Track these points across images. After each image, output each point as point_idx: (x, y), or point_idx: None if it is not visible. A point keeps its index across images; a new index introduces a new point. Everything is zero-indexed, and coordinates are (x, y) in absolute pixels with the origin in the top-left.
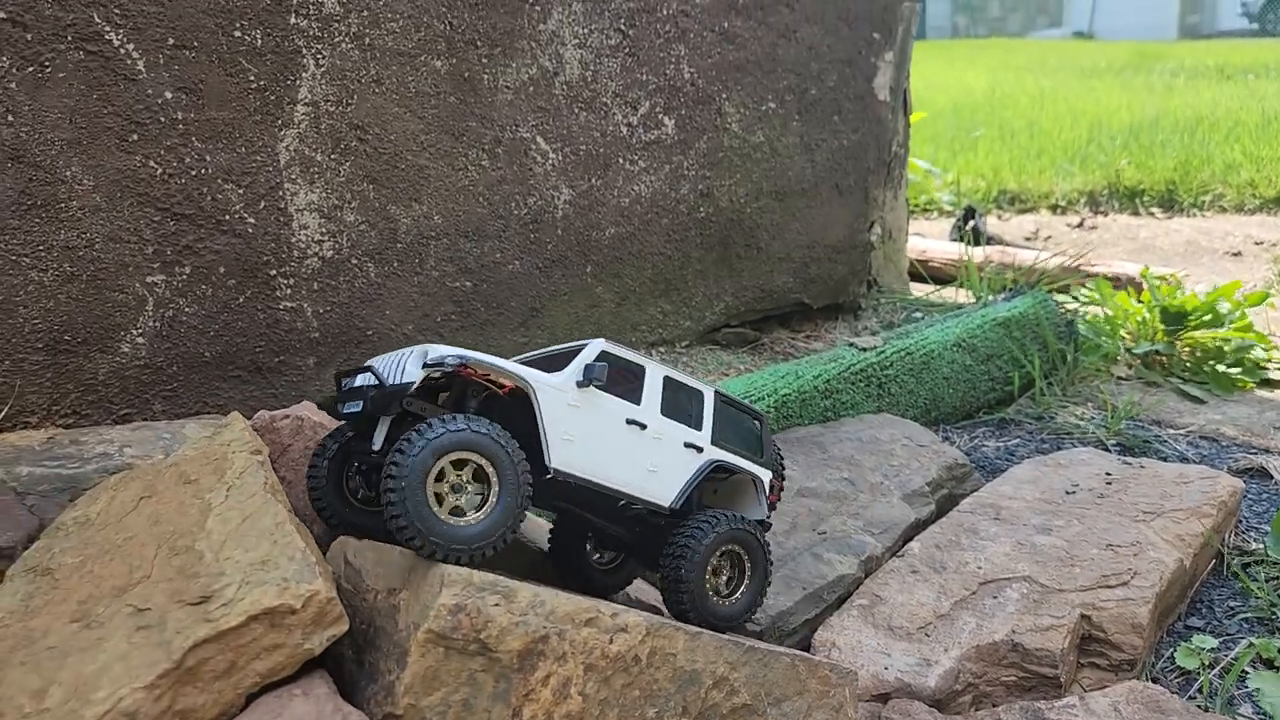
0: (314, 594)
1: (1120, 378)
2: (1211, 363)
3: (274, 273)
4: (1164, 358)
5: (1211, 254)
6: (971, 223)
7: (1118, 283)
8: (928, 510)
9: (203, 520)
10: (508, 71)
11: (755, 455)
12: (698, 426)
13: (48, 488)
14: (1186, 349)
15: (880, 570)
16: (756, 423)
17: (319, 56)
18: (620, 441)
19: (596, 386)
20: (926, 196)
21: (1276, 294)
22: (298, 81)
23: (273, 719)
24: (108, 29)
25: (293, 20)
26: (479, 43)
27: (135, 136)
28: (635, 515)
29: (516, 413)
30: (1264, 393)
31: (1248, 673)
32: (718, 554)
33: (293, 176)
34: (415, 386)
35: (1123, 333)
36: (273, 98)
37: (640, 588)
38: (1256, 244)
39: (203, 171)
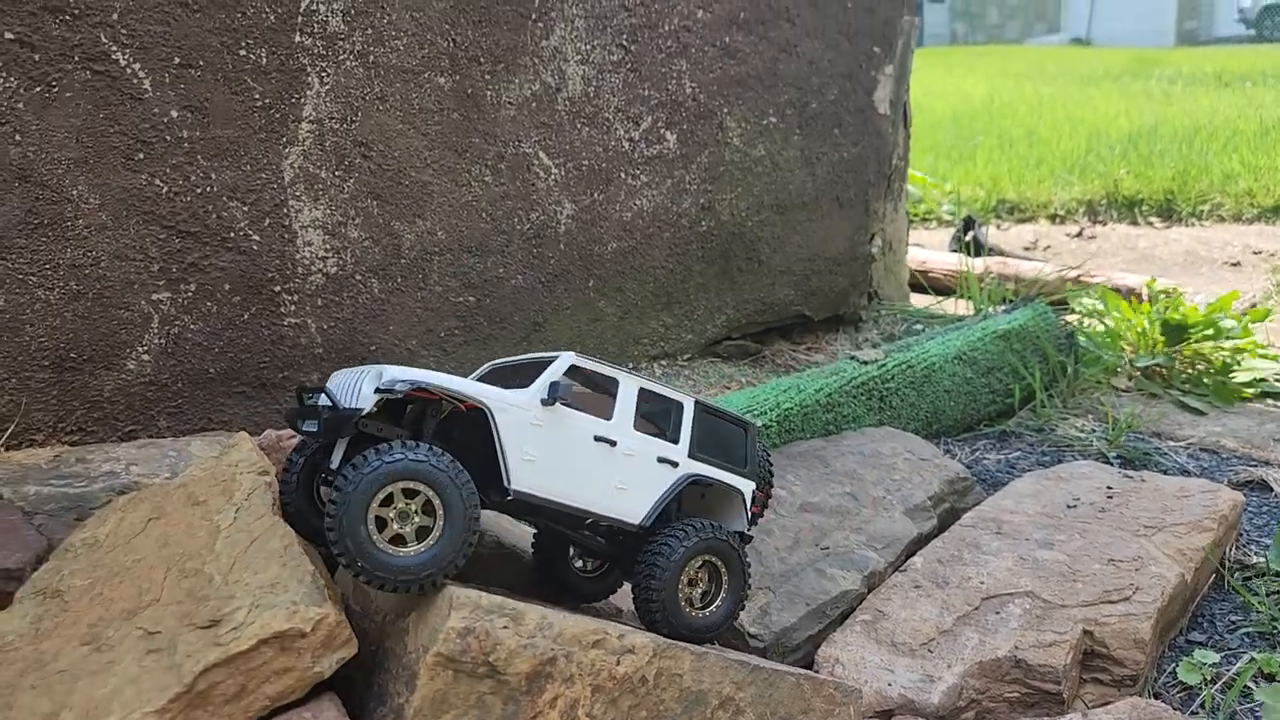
0: (323, 617)
1: (1120, 390)
2: (1213, 375)
3: (278, 289)
4: (1164, 370)
5: (1210, 264)
6: (971, 233)
7: (1118, 294)
8: (930, 525)
9: (211, 542)
10: (511, 88)
11: (738, 466)
12: (674, 439)
13: (54, 506)
14: (1187, 361)
15: (883, 585)
16: (742, 432)
17: (324, 74)
18: (587, 460)
19: (562, 404)
20: (925, 206)
21: (1276, 304)
22: (302, 99)
23: None
24: (114, 49)
25: (298, 39)
26: (482, 59)
27: (141, 155)
28: (608, 529)
29: (479, 428)
30: (1263, 405)
31: (1250, 688)
32: (694, 565)
33: (297, 193)
34: (367, 411)
35: (1123, 344)
36: (278, 115)
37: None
38: (1255, 254)
39: (208, 189)
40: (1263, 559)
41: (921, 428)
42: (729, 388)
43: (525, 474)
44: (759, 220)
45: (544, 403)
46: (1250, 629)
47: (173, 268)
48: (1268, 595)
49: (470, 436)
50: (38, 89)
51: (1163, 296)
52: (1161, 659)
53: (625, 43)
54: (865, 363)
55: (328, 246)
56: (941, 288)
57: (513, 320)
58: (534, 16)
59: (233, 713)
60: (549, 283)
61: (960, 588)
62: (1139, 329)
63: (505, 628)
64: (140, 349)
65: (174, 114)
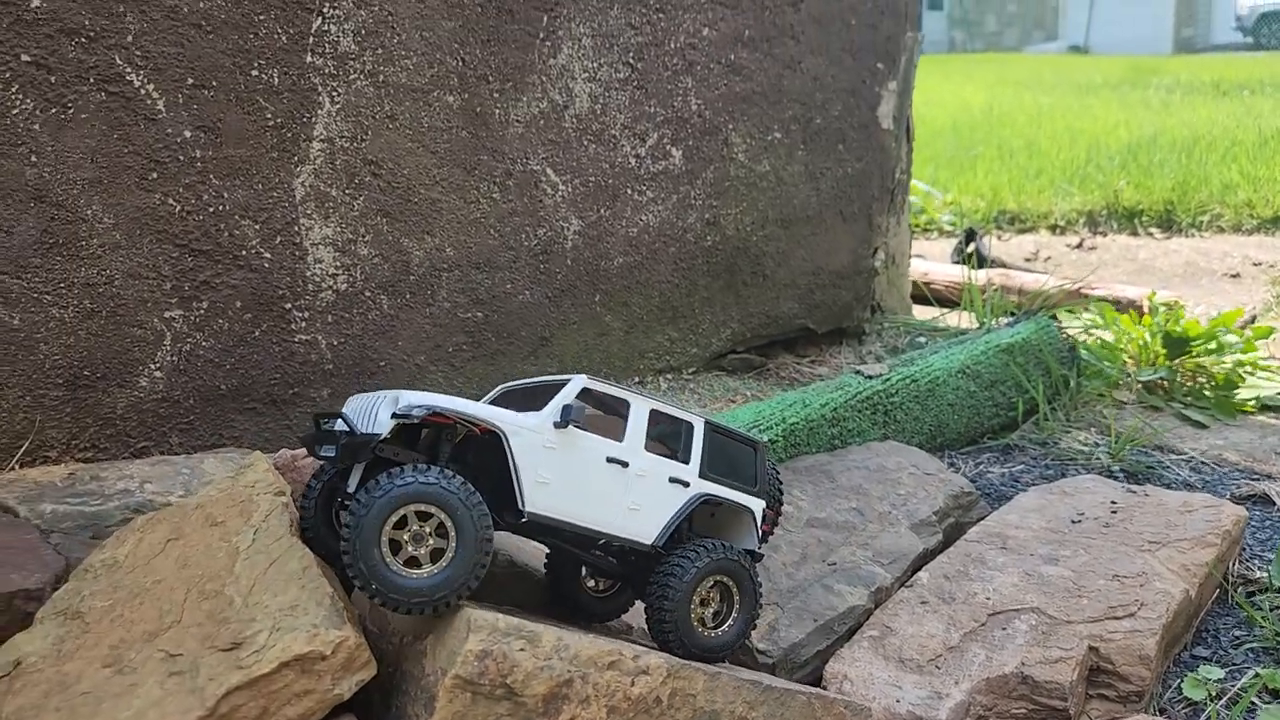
0: (343, 640)
1: (1123, 403)
2: (1215, 388)
3: (289, 306)
4: (1166, 383)
5: (1210, 275)
6: (973, 245)
7: (1119, 306)
8: (935, 540)
9: (231, 564)
10: (519, 105)
11: (748, 485)
12: (686, 459)
13: (71, 525)
14: (1188, 374)
15: (890, 601)
16: (752, 450)
17: (334, 94)
18: (600, 481)
19: (575, 427)
20: (927, 216)
21: (1276, 316)
22: (313, 119)
23: None
24: (129, 70)
25: (309, 59)
26: (491, 78)
27: (155, 175)
28: (620, 549)
29: (494, 451)
30: (1265, 418)
31: (1255, 704)
32: (706, 585)
33: (308, 211)
34: (383, 437)
35: (1124, 357)
36: (289, 135)
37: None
38: (1255, 265)
39: (220, 208)
40: (1266, 574)
41: (926, 441)
42: (734, 401)
43: (539, 496)
44: (764, 235)
45: (557, 426)
46: (1254, 644)
47: (185, 286)
48: (1271, 610)
49: (485, 459)
50: (54, 110)
51: (1164, 309)
52: (1167, 674)
53: (632, 60)
54: (870, 377)
55: (338, 264)
56: (944, 299)
57: (520, 335)
58: (542, 35)
59: None
60: (556, 298)
61: (966, 604)
62: (1140, 342)
63: (522, 650)
64: (153, 366)
65: (187, 134)
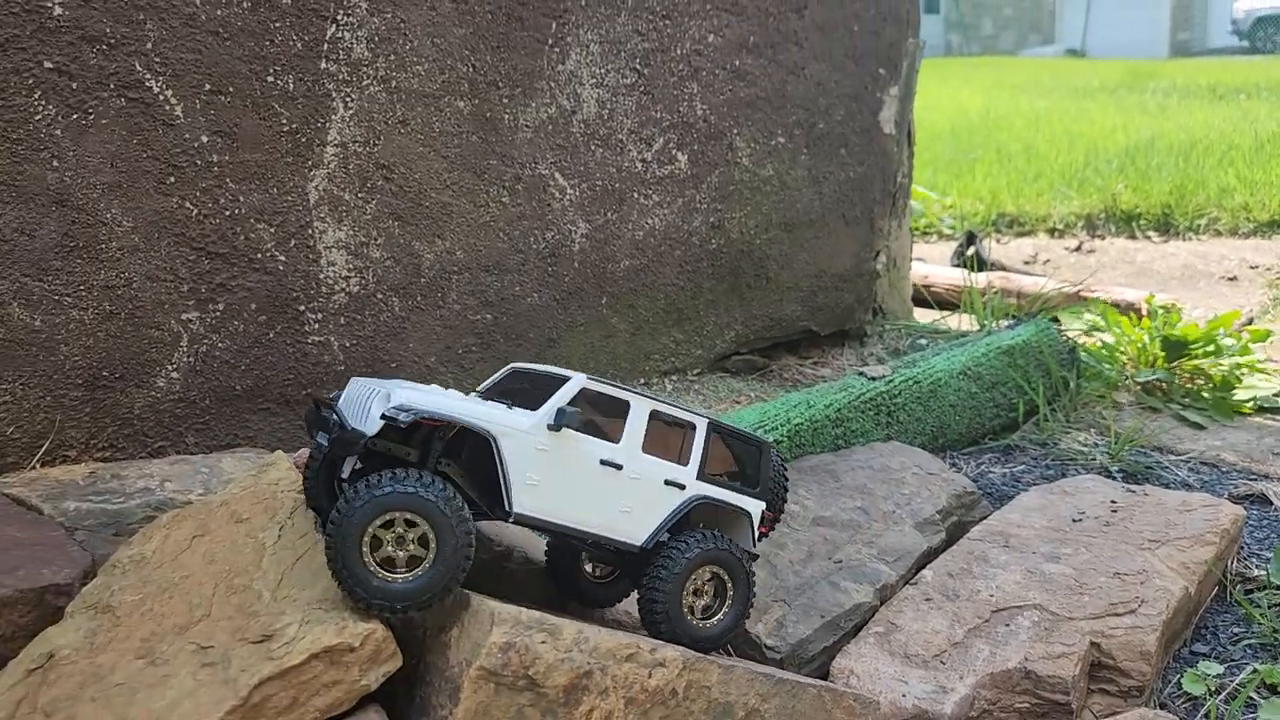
0: (371, 633)
1: (1122, 404)
2: (1213, 390)
3: (303, 308)
4: (1164, 385)
5: (1208, 278)
6: (972, 248)
7: (1118, 308)
8: (939, 538)
9: (258, 559)
10: (528, 111)
11: (749, 487)
12: (684, 461)
13: (94, 523)
14: (1187, 376)
15: (895, 598)
16: (756, 451)
17: (348, 100)
18: (591, 483)
19: (570, 429)
20: (927, 220)
21: (1273, 319)
22: (327, 124)
23: None
24: (148, 76)
25: (323, 65)
26: (500, 84)
27: (173, 179)
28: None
29: (488, 447)
30: (1262, 419)
31: (1254, 699)
32: (701, 576)
33: (322, 215)
34: (371, 435)
35: (1123, 360)
36: (304, 140)
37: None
38: (1251, 268)
39: (236, 212)
40: (1264, 571)
41: (928, 442)
42: (739, 402)
43: (527, 497)
44: (767, 238)
45: (550, 428)
46: (1253, 641)
47: (202, 288)
48: (1269, 607)
49: (479, 454)
50: (75, 116)
51: (1162, 312)
52: (1167, 670)
53: (638, 66)
54: (873, 379)
55: (350, 266)
56: (944, 302)
57: (528, 337)
58: (550, 42)
59: None
60: (563, 300)
61: (970, 600)
62: (1139, 344)
63: (544, 642)
64: (170, 367)
65: (204, 139)
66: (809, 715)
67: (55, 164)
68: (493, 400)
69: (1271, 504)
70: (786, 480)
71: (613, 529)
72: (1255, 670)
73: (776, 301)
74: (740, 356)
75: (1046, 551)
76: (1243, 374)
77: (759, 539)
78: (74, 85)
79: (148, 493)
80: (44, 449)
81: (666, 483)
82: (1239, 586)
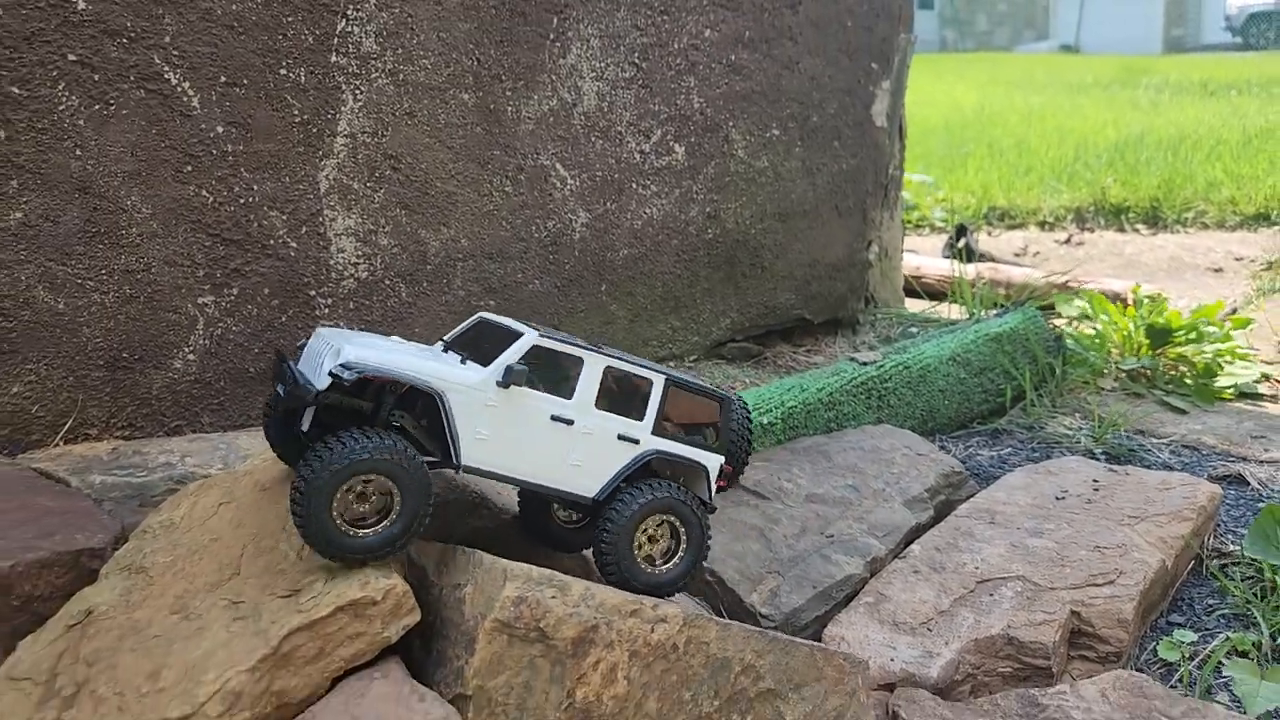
0: (392, 588)
1: (1106, 390)
2: (1196, 376)
3: (314, 293)
4: (1148, 372)
5: (1194, 270)
6: (963, 240)
7: (1105, 298)
8: (927, 515)
9: (283, 524)
10: (530, 103)
11: (708, 441)
12: (639, 416)
13: (119, 495)
14: (1170, 364)
15: (884, 571)
16: (716, 405)
17: (357, 92)
18: (541, 438)
19: (520, 385)
20: (919, 213)
21: (1256, 309)
22: (337, 115)
23: (357, 699)
24: (166, 69)
25: (333, 59)
26: (504, 77)
27: (190, 168)
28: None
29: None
30: (1242, 404)
31: (1224, 664)
32: (653, 523)
33: (332, 203)
34: (320, 391)
35: (1109, 347)
36: (314, 130)
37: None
38: (1237, 260)
39: (250, 200)
40: (1238, 547)
41: (918, 425)
42: (734, 387)
43: (476, 451)
44: (762, 228)
45: (499, 385)
46: (1226, 611)
47: (217, 273)
48: (1242, 580)
49: (433, 406)
50: (97, 106)
51: (1147, 301)
52: (1143, 639)
53: (637, 60)
54: (864, 364)
55: (359, 253)
56: (935, 293)
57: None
58: (552, 36)
59: (312, 672)
60: (564, 287)
61: (956, 572)
62: (1125, 332)
63: (554, 597)
64: (187, 349)
65: (220, 129)
66: (801, 672)
67: (78, 153)
68: (454, 351)
69: (1248, 484)
70: (750, 434)
71: (564, 482)
72: (1227, 638)
73: (771, 290)
74: (736, 343)
75: (1030, 527)
76: (1225, 361)
77: (717, 491)
78: (96, 77)
79: (169, 467)
80: (67, 427)
81: (620, 437)
82: (1215, 561)
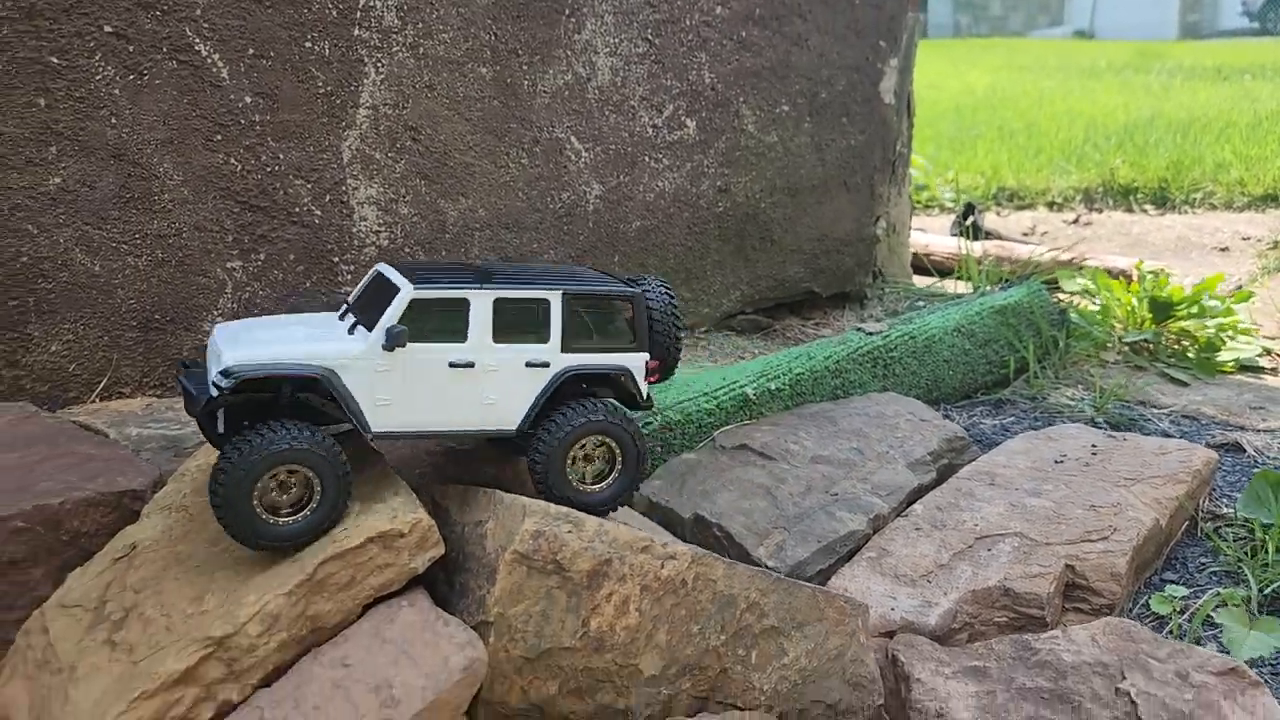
0: (418, 521)
1: (1109, 363)
2: (1198, 350)
3: (336, 260)
4: (1150, 345)
5: (1201, 249)
6: (971, 218)
7: (1109, 274)
8: (929, 477)
9: None
10: (545, 77)
11: (625, 343)
12: (544, 339)
13: (155, 445)
14: (1173, 337)
15: (887, 528)
16: (628, 304)
17: (379, 65)
18: (445, 387)
19: (409, 342)
20: (929, 194)
21: (1261, 287)
22: (360, 87)
23: (386, 624)
24: (197, 41)
25: (356, 32)
26: (520, 51)
27: (219, 137)
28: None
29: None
30: (1243, 377)
31: (1212, 616)
32: (590, 443)
33: (355, 173)
34: (210, 398)
35: (1112, 321)
36: (338, 102)
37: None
38: (1244, 239)
39: (276, 168)
40: (1232, 510)
41: (922, 395)
42: (743, 357)
43: (382, 417)
44: (771, 202)
45: (385, 349)
46: (1218, 569)
47: (245, 239)
48: (1235, 540)
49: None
50: (131, 76)
51: (1151, 277)
52: (1137, 594)
53: (650, 36)
54: (870, 334)
55: (381, 222)
56: (943, 269)
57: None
58: (567, 12)
59: (344, 599)
60: (578, 258)
61: (956, 529)
62: (1128, 306)
63: (570, 532)
64: (215, 312)
65: (247, 99)
66: (804, 611)
67: (114, 121)
68: (352, 313)
69: (1245, 451)
70: (678, 319)
71: (483, 422)
72: (1218, 593)
73: (780, 263)
74: (745, 316)
75: (1029, 488)
76: (1227, 336)
77: (652, 384)
78: (131, 48)
79: None
80: (102, 385)
81: (528, 365)
82: (1209, 523)
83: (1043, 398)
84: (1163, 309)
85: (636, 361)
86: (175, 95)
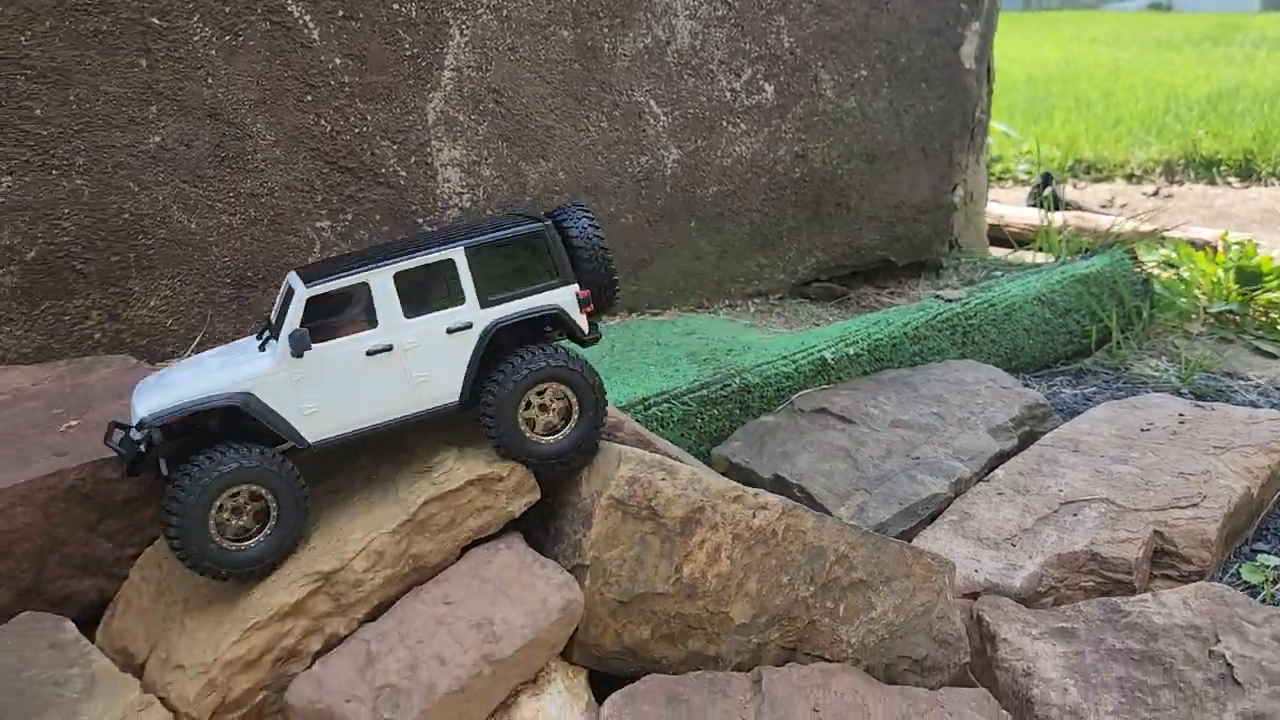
0: (515, 466)
1: (1194, 334)
2: None
3: (421, 221)
4: (1237, 316)
5: None
6: (1049, 189)
7: (1194, 246)
8: (1011, 444)
9: None
10: (625, 40)
11: (547, 280)
12: (458, 300)
13: None
14: (1260, 308)
15: (968, 493)
16: (540, 240)
17: (463, 27)
18: (370, 378)
19: (315, 343)
20: (1003, 165)
21: None
22: (445, 49)
23: (484, 565)
24: (290, 2)
25: None
26: (601, 14)
27: (310, 97)
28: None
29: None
30: None
31: None
32: (549, 392)
33: (439, 135)
34: (131, 461)
35: (1197, 292)
36: (424, 64)
37: None
38: None
39: (364, 129)
40: None
41: (1001, 363)
42: (818, 324)
43: (314, 425)
44: (849, 168)
45: (294, 355)
46: None
47: (333, 199)
48: None
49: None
50: (227, 37)
51: (1237, 247)
52: (1226, 562)
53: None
54: (949, 300)
55: (463, 183)
56: (1019, 241)
57: (621, 256)
58: None
59: (445, 539)
60: (655, 222)
61: (1040, 495)
62: (1213, 277)
63: (664, 479)
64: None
65: (337, 61)
66: (891, 566)
67: (210, 81)
68: (269, 329)
69: None
70: (602, 241)
71: (421, 402)
72: None
73: (856, 230)
74: (820, 283)
75: (1114, 455)
76: None
77: (590, 317)
78: (226, 9)
79: None
80: (197, 341)
81: (449, 331)
82: None
83: (1125, 368)
84: (1250, 279)
85: (566, 296)
86: (268, 56)
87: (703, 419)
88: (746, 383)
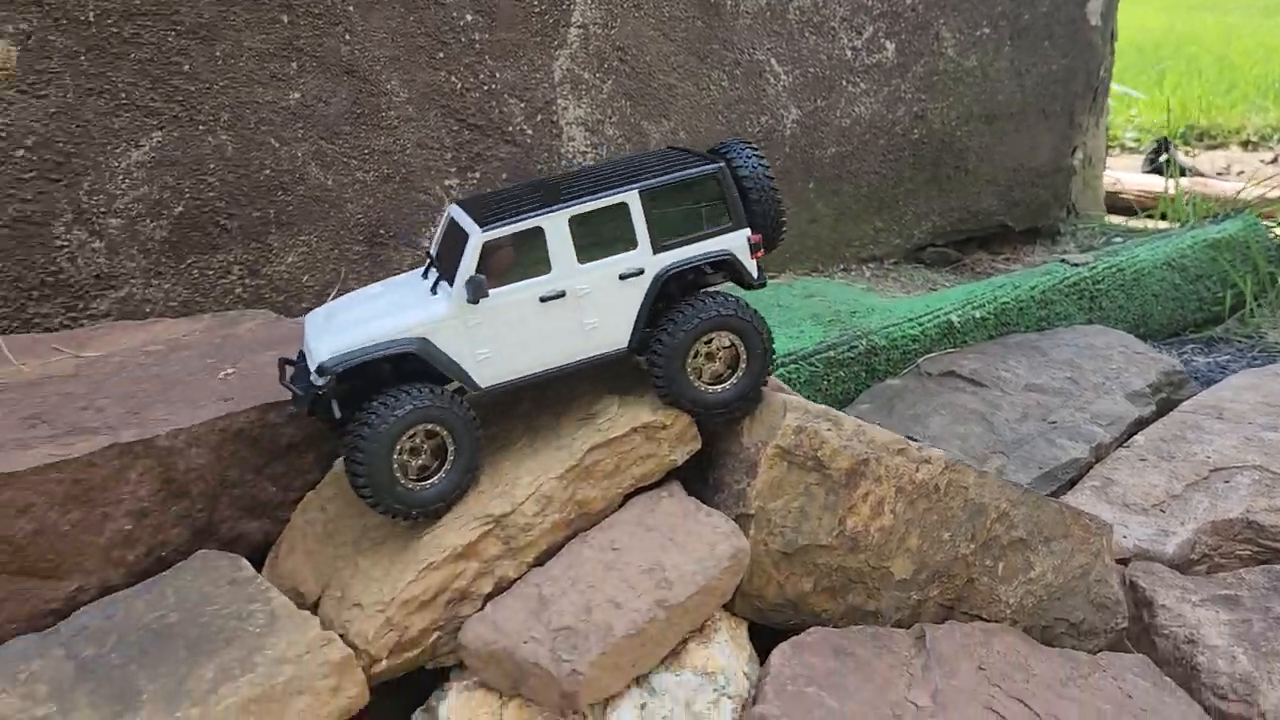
0: (679, 415)
1: None
2: None
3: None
4: None
5: None
6: (1165, 155)
7: None
8: (1149, 410)
9: None
10: None
11: (720, 224)
12: (631, 245)
13: None
14: None
15: (1109, 458)
16: (712, 181)
17: None
18: (543, 324)
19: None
20: (1110, 132)
21: None
22: (572, 6)
23: (648, 513)
24: None
25: None
26: None
27: (441, 54)
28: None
29: None
30: None
31: None
32: (718, 340)
33: (564, 93)
34: (315, 398)
35: None
36: (551, 21)
37: None
38: None
39: (493, 87)
40: None
41: (1129, 329)
42: (934, 289)
43: (487, 371)
44: (968, 130)
45: (470, 302)
46: None
47: (462, 157)
48: None
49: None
50: None
51: None
52: None
53: None
54: (1076, 265)
55: (587, 142)
56: (1135, 208)
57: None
58: None
59: (609, 486)
60: None
61: (1186, 461)
62: None
63: (829, 430)
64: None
65: (469, 18)
66: (1050, 526)
67: (347, 37)
68: (434, 267)
69: None
70: (771, 181)
71: (590, 349)
72: None
73: (974, 194)
74: (935, 248)
75: (1264, 422)
76: None
77: (758, 259)
78: None
79: None
80: (331, 296)
81: (622, 278)
82: None
83: (1260, 336)
84: None
85: (738, 241)
86: (402, 12)
87: (829, 381)
88: (873, 345)
